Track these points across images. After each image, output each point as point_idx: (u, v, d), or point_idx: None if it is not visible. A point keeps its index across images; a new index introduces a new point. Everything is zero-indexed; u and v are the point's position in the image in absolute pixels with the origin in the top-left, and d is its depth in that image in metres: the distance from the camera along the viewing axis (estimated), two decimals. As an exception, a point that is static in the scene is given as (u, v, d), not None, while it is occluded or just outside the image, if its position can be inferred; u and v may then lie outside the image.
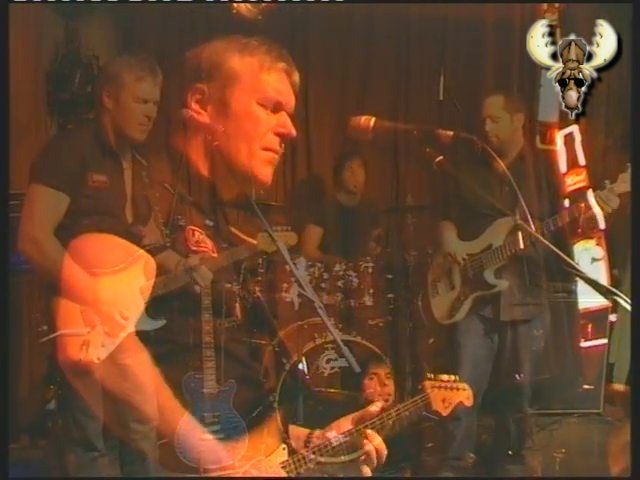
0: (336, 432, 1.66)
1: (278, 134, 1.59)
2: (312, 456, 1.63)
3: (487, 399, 3.99)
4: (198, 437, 1.53)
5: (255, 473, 1.57)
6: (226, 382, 1.60)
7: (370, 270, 4.42)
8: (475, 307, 3.71)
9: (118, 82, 2.87)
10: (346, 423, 1.68)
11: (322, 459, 1.64)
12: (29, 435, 4.05)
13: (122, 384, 1.55)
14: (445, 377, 1.87)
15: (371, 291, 4.39)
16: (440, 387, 1.84)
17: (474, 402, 1.92)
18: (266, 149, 1.59)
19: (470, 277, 3.69)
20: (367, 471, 1.63)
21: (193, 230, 1.59)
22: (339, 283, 4.37)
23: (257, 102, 1.57)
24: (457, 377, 1.89)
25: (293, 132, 1.60)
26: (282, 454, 1.63)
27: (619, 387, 4.52)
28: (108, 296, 1.67)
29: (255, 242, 1.72)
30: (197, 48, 1.62)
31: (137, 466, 2.46)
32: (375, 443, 1.64)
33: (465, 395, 1.87)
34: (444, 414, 1.84)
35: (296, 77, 1.62)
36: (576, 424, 4.61)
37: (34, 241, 2.73)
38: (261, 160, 1.59)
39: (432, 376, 1.86)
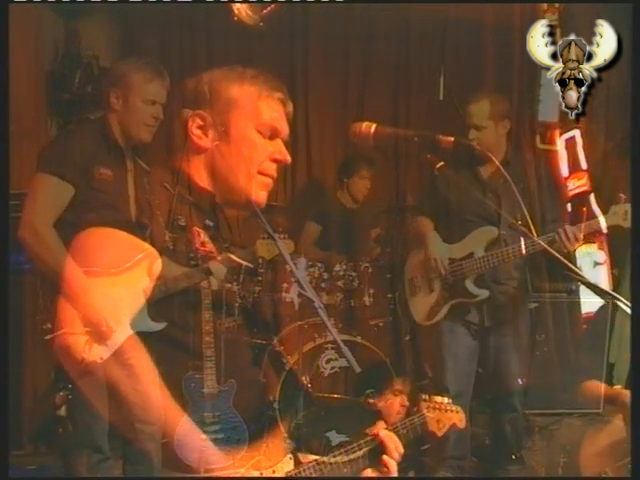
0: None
1: (275, 160, 1.68)
2: (317, 466, 1.64)
3: (481, 401, 4.00)
4: (198, 437, 1.53)
5: (255, 473, 1.57)
6: (226, 382, 1.60)
7: (370, 270, 4.42)
8: (454, 312, 3.66)
9: (127, 83, 2.89)
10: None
11: (326, 459, 1.64)
12: (37, 441, 4.03)
13: (127, 384, 1.56)
14: (439, 399, 1.93)
15: (371, 291, 4.40)
16: (435, 408, 1.90)
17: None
18: (262, 173, 1.67)
19: (450, 282, 3.63)
20: (394, 464, 1.66)
21: (198, 231, 1.64)
22: (339, 283, 4.37)
23: (255, 128, 1.66)
24: (450, 400, 1.93)
25: (288, 159, 1.70)
26: (288, 464, 1.64)
27: (619, 387, 4.52)
28: (99, 302, 1.67)
29: (250, 265, 1.76)
30: (196, 76, 1.70)
31: (140, 466, 2.46)
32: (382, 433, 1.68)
33: (458, 417, 1.93)
34: (439, 435, 1.89)
35: (290, 108, 1.72)
36: (576, 424, 4.61)
37: (33, 230, 2.74)
38: (257, 183, 1.67)
39: (427, 397, 1.92)
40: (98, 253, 1.65)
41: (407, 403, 3.93)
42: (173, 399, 1.54)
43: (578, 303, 4.82)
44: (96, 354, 1.68)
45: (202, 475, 1.53)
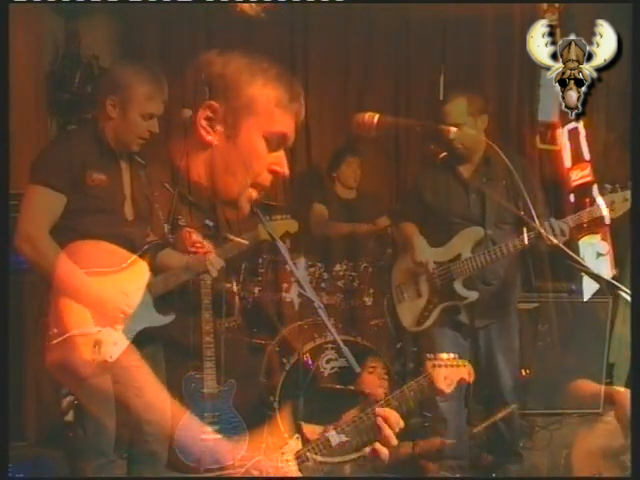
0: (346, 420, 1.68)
1: (272, 172, 1.61)
2: (326, 442, 1.64)
3: (478, 400, 4.00)
4: (198, 437, 1.53)
5: (255, 473, 1.57)
6: (226, 382, 1.60)
7: (370, 270, 4.42)
8: (444, 315, 3.64)
9: (127, 95, 2.85)
10: (355, 412, 1.70)
11: (332, 459, 1.65)
12: (47, 446, 4.04)
13: (134, 385, 1.56)
14: (444, 355, 1.93)
15: (371, 291, 4.39)
16: (441, 365, 1.89)
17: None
18: (255, 186, 1.61)
19: (438, 287, 3.60)
20: (385, 452, 1.65)
21: (189, 232, 1.61)
22: (339, 283, 4.37)
23: (263, 136, 1.58)
24: (456, 355, 1.93)
25: (287, 172, 1.62)
26: (297, 444, 1.64)
27: (619, 387, 4.53)
28: (109, 293, 1.67)
29: (246, 242, 1.74)
30: (221, 55, 1.59)
31: (145, 466, 2.46)
32: (384, 415, 1.66)
33: (465, 371, 1.94)
34: (447, 391, 1.88)
35: (302, 116, 1.64)
36: (576, 424, 4.62)
37: (30, 240, 2.75)
38: (247, 196, 1.61)
39: (432, 356, 1.91)
40: (92, 259, 1.64)
41: (386, 376, 3.94)
42: (176, 398, 1.54)
43: (579, 303, 4.83)
44: (106, 354, 1.68)
45: (202, 475, 1.53)
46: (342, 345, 1.61)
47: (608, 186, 3.23)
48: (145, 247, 1.59)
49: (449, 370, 1.89)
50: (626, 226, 3.23)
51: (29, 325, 3.85)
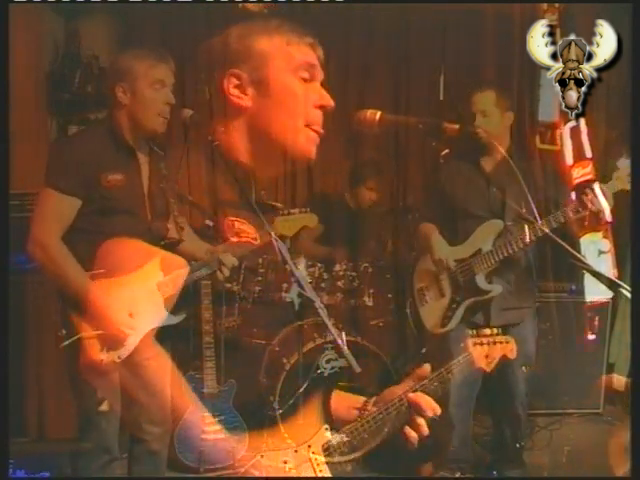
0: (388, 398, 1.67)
1: (319, 107, 1.62)
2: (346, 438, 1.63)
3: (484, 402, 3.99)
4: (198, 437, 1.53)
5: (255, 473, 1.57)
6: (226, 382, 1.60)
7: (370, 270, 4.42)
8: (468, 314, 3.62)
9: (132, 74, 2.81)
10: (397, 389, 1.70)
11: (333, 459, 1.64)
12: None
13: (138, 384, 1.56)
14: (487, 331, 1.82)
15: (371, 291, 4.39)
16: (482, 343, 1.79)
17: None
18: (309, 125, 1.61)
19: (460, 284, 3.59)
20: (414, 436, 1.63)
21: (233, 221, 1.60)
22: (339, 283, 4.36)
23: (292, 74, 1.59)
24: (499, 330, 1.84)
25: (331, 103, 1.62)
26: (324, 435, 1.63)
27: (619, 387, 4.53)
28: (112, 312, 1.67)
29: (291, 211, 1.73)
30: (219, 36, 1.62)
31: (146, 466, 2.47)
32: (416, 401, 1.64)
33: (509, 348, 1.82)
34: (488, 370, 1.78)
35: (321, 52, 1.65)
36: (576, 424, 4.62)
37: (42, 245, 2.74)
38: (306, 137, 1.62)
39: (473, 332, 1.81)
40: (109, 259, 1.64)
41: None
42: (184, 395, 1.54)
43: (579, 303, 4.83)
44: (114, 354, 1.68)
45: (202, 475, 1.53)
46: (342, 345, 1.61)
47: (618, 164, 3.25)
48: (162, 243, 1.58)
49: (491, 348, 1.78)
50: (626, 226, 3.24)
51: (30, 325, 3.86)
